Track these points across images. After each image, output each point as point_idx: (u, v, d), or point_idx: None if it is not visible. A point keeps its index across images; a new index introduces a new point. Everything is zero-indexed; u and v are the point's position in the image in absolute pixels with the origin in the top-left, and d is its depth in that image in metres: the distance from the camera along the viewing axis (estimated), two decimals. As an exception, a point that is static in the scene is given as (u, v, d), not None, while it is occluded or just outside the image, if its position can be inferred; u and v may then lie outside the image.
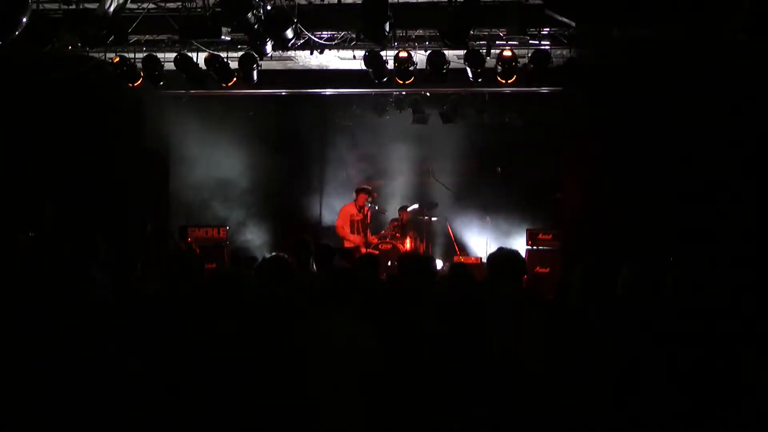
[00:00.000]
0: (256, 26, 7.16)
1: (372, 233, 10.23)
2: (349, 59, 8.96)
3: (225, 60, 8.64)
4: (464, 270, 5.43)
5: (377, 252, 9.68)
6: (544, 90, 9.78)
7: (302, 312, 3.96)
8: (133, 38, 8.52)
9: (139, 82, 8.78)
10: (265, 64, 8.94)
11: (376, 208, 10.41)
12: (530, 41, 8.15)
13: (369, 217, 10.07)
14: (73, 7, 7.29)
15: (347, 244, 9.86)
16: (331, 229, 11.01)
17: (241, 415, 3.59)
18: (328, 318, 3.77)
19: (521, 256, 4.32)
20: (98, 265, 5.27)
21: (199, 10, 7.61)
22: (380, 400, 3.60)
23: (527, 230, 9.92)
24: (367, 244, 9.86)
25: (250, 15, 6.94)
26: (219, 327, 3.74)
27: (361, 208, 9.96)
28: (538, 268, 9.41)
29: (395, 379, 3.66)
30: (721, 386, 3.56)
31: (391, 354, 3.67)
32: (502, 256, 4.21)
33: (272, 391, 3.62)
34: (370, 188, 10.38)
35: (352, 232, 9.94)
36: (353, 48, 8.53)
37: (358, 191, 10.12)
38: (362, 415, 3.58)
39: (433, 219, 10.57)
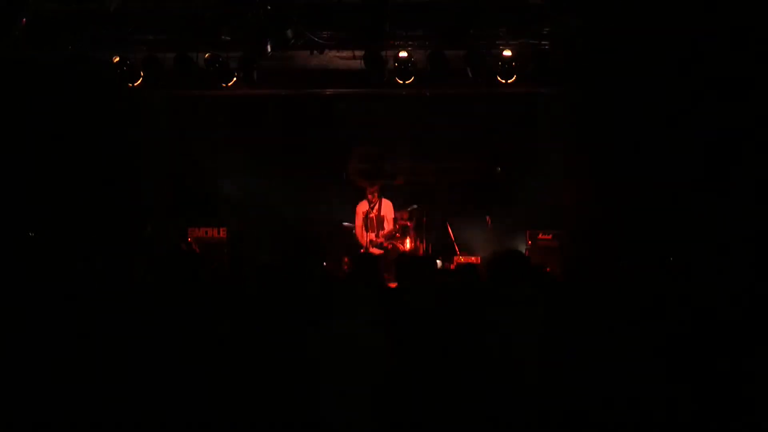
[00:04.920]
0: (256, 26, 7.17)
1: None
2: (349, 59, 8.95)
3: (225, 60, 8.64)
4: (471, 271, 5.41)
5: (380, 251, 9.65)
6: (544, 90, 9.77)
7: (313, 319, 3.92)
8: (134, 38, 8.51)
9: (139, 82, 8.77)
10: (265, 64, 8.94)
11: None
12: (530, 41, 8.15)
13: (381, 212, 9.92)
14: (73, 7, 7.30)
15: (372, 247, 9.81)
16: (332, 228, 11.01)
17: (248, 423, 3.58)
18: (338, 325, 3.74)
19: (523, 256, 4.33)
20: (96, 265, 5.27)
21: (199, 10, 7.61)
22: (391, 408, 3.58)
23: (527, 230, 9.91)
24: (376, 243, 9.77)
25: (250, 15, 6.95)
26: (222, 330, 3.73)
27: (372, 207, 9.85)
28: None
29: (406, 386, 3.64)
30: (722, 386, 3.56)
31: (402, 360, 3.66)
32: (505, 257, 4.21)
33: (281, 400, 3.61)
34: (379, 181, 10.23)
35: (367, 230, 9.84)
36: (353, 48, 8.52)
37: (366, 186, 10.03)
38: (372, 422, 3.55)
39: (433, 219, 10.54)
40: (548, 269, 9.24)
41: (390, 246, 9.74)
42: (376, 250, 9.64)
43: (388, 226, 9.81)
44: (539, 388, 3.72)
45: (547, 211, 10.37)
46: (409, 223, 9.85)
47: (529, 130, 11.12)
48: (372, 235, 9.74)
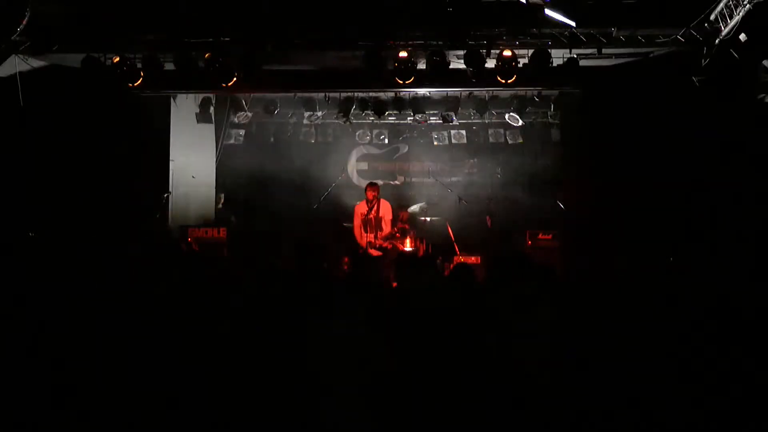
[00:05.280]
0: (256, 26, 7.17)
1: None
2: (349, 59, 8.94)
3: (225, 60, 8.63)
4: (467, 271, 5.40)
5: (379, 253, 9.62)
6: (544, 90, 9.78)
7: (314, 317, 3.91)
8: (133, 38, 8.51)
9: (139, 82, 8.77)
10: (265, 64, 8.93)
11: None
12: (530, 41, 8.16)
13: (378, 213, 9.86)
14: (73, 7, 7.30)
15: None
16: (331, 228, 11.05)
17: (248, 423, 3.57)
18: (338, 325, 3.73)
19: (525, 256, 4.34)
20: (96, 265, 5.26)
21: (199, 9, 7.61)
22: (391, 408, 3.58)
23: (527, 230, 9.92)
24: (374, 245, 9.71)
25: (249, 14, 6.95)
26: (222, 330, 3.73)
27: (371, 208, 9.79)
28: (537, 267, 9.39)
29: (407, 385, 3.64)
30: (725, 386, 3.56)
31: (402, 361, 3.65)
32: (507, 257, 4.22)
33: (281, 400, 3.60)
34: (378, 183, 10.17)
35: (366, 231, 9.79)
36: (353, 48, 8.52)
37: (366, 187, 9.99)
38: (372, 422, 3.55)
39: (433, 219, 10.56)
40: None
41: (390, 246, 9.72)
42: (374, 252, 9.61)
43: (386, 227, 9.76)
44: (539, 388, 3.72)
45: (547, 211, 10.39)
46: (406, 225, 9.81)
47: (529, 130, 11.15)
48: (371, 237, 9.71)
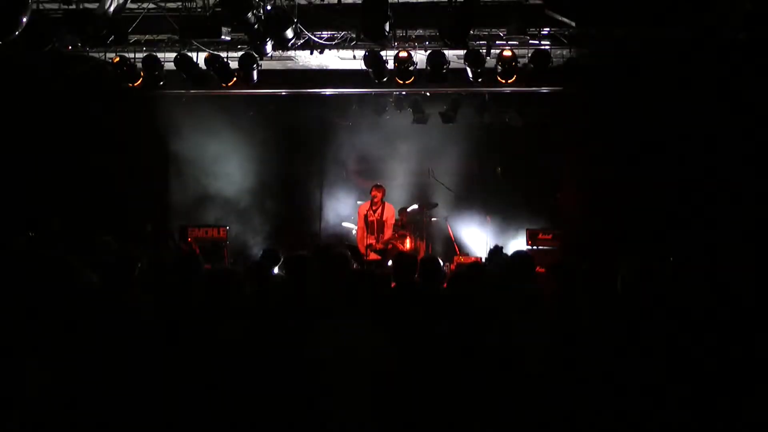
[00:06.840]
0: (256, 26, 7.18)
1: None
2: (349, 59, 8.96)
3: (225, 60, 8.64)
4: (467, 270, 5.40)
5: (378, 257, 9.57)
6: (544, 90, 9.79)
7: (315, 318, 3.90)
8: (133, 38, 8.52)
9: (139, 82, 8.78)
10: (265, 64, 8.94)
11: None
12: (530, 41, 8.16)
13: (382, 217, 9.70)
14: (73, 7, 7.30)
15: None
16: (331, 229, 11.04)
17: (248, 423, 3.57)
18: (341, 324, 3.72)
19: (529, 256, 4.34)
20: (92, 266, 5.24)
21: (199, 10, 7.62)
22: (393, 408, 3.57)
23: (527, 230, 9.91)
24: (375, 248, 9.61)
25: (250, 15, 6.95)
26: (223, 330, 3.72)
27: (374, 210, 9.69)
28: (538, 268, 9.38)
29: (408, 386, 3.63)
30: (724, 385, 3.56)
31: (404, 360, 3.64)
32: (512, 257, 4.22)
33: (281, 401, 3.60)
34: (381, 184, 10.04)
35: (368, 232, 9.70)
36: (353, 48, 8.53)
37: (372, 187, 9.89)
38: (374, 423, 3.54)
39: (433, 219, 10.56)
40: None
41: (390, 246, 9.70)
42: (375, 256, 9.53)
43: (387, 231, 9.69)
44: (539, 388, 3.72)
45: (546, 211, 10.39)
46: (405, 233, 9.75)
47: (529, 130, 11.14)
48: (371, 239, 9.65)
